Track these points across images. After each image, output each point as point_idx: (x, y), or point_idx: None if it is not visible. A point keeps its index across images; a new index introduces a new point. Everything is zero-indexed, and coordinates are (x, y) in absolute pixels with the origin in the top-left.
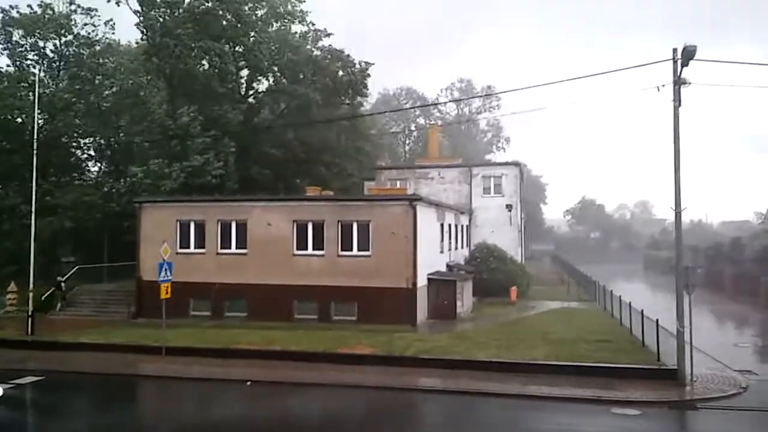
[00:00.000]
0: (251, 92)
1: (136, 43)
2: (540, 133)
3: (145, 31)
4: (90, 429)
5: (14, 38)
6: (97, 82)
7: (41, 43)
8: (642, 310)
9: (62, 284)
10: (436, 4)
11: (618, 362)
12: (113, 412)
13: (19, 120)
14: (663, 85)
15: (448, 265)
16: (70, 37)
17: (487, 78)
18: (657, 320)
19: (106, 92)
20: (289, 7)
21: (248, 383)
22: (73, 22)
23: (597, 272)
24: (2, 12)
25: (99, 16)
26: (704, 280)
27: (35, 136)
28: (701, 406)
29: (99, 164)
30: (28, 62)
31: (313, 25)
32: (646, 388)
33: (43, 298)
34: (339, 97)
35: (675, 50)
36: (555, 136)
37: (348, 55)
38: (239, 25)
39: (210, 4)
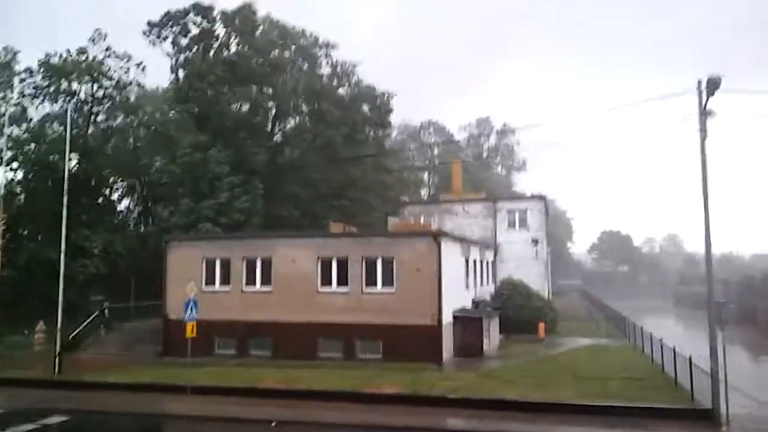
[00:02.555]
0: (277, 132)
1: (169, 86)
2: (565, 168)
3: (176, 73)
4: None
5: (52, 85)
6: (127, 122)
7: (75, 86)
8: (674, 347)
9: (106, 311)
10: (460, 39)
11: (650, 402)
12: None
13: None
14: (690, 114)
15: (473, 302)
16: (103, 80)
17: (510, 112)
18: (690, 357)
19: (137, 134)
20: (317, 50)
21: (273, 424)
22: (106, 67)
23: (626, 307)
24: (45, 57)
25: (132, 60)
26: (737, 315)
27: (65, 178)
28: None
29: (129, 206)
30: (61, 105)
31: (342, 63)
32: (681, 428)
33: (70, 337)
34: (363, 131)
35: (699, 81)
36: (580, 171)
37: (373, 88)
38: (268, 68)
39: (240, 47)
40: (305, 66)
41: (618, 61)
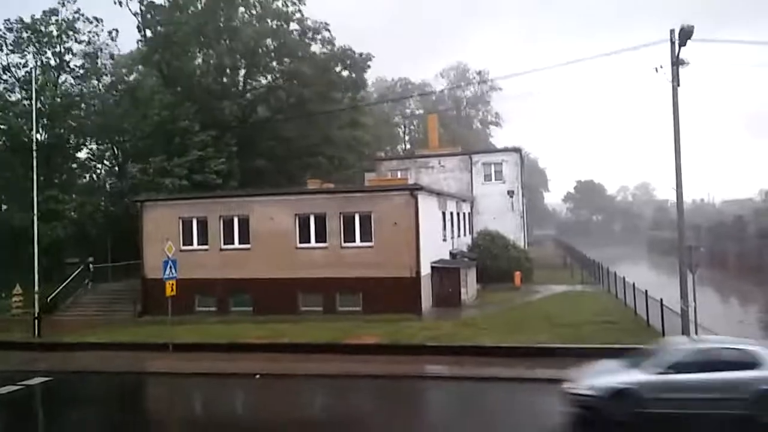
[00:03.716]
0: (249, 89)
1: (137, 47)
2: (540, 120)
3: (143, 31)
4: (101, 427)
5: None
6: (96, 85)
7: (44, 49)
8: (645, 291)
9: (90, 265)
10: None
11: (623, 343)
12: (123, 409)
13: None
14: (661, 66)
15: (451, 253)
16: (71, 43)
17: (484, 64)
18: (661, 300)
19: (106, 95)
20: (288, 7)
21: (257, 376)
22: (76, 30)
23: (600, 255)
24: (6, 22)
25: (102, 25)
26: (708, 259)
27: (35, 140)
28: None
29: (101, 166)
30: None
31: (309, 22)
32: None
33: (48, 299)
34: (338, 92)
35: (672, 31)
36: (555, 122)
37: (349, 49)
38: (235, 24)
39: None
40: (273, 23)
41: (596, 20)
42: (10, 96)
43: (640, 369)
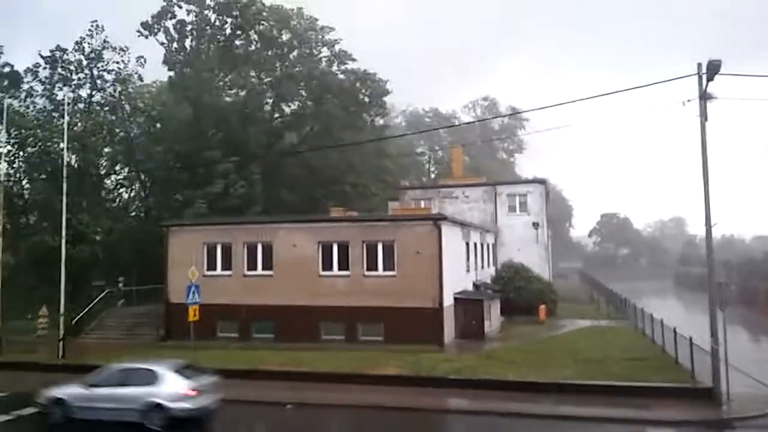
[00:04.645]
0: (276, 116)
1: (168, 77)
2: (567, 153)
3: (170, 60)
4: None
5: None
6: (124, 113)
7: (73, 77)
8: (674, 328)
9: (120, 285)
10: (466, 29)
11: (651, 381)
12: None
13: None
14: (689, 100)
15: (474, 284)
16: (100, 71)
17: (513, 99)
18: (690, 338)
19: (134, 122)
20: (316, 35)
21: (288, 406)
22: (103, 59)
23: (626, 289)
24: (42, 57)
25: (129, 53)
26: (738, 297)
27: (64, 164)
28: (738, 425)
29: (128, 192)
30: (59, 96)
31: (340, 48)
32: (681, 407)
33: (74, 322)
34: (362, 116)
35: (699, 65)
36: (582, 155)
37: (368, 72)
38: (266, 52)
39: (233, 32)
40: (302, 49)
41: (623, 53)
42: (52, 120)
43: (78, 384)
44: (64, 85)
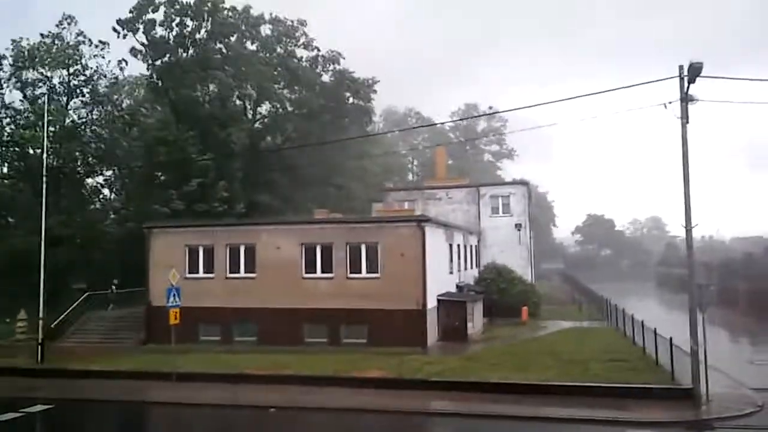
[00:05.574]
0: (258, 117)
1: (145, 76)
2: (549, 154)
3: (149, 62)
4: None
5: (24, 74)
6: (101, 111)
7: (49, 74)
8: (655, 329)
9: (113, 287)
10: (444, 30)
11: (632, 382)
12: None
13: (30, 152)
14: (670, 102)
15: (458, 286)
16: (77, 67)
17: (493, 100)
18: (671, 339)
19: (113, 122)
20: (295, 35)
21: (272, 410)
22: (80, 54)
23: (608, 290)
24: (12, 43)
25: (108, 50)
26: (718, 298)
27: (44, 165)
28: (718, 425)
29: (108, 192)
30: (37, 94)
31: (319, 51)
32: (661, 408)
33: (53, 325)
34: (345, 119)
35: (681, 67)
36: (564, 157)
37: (353, 74)
38: (231, 54)
39: (206, 38)
40: (280, 50)
41: (607, 58)
42: (19, 120)
43: None
44: (37, 82)
